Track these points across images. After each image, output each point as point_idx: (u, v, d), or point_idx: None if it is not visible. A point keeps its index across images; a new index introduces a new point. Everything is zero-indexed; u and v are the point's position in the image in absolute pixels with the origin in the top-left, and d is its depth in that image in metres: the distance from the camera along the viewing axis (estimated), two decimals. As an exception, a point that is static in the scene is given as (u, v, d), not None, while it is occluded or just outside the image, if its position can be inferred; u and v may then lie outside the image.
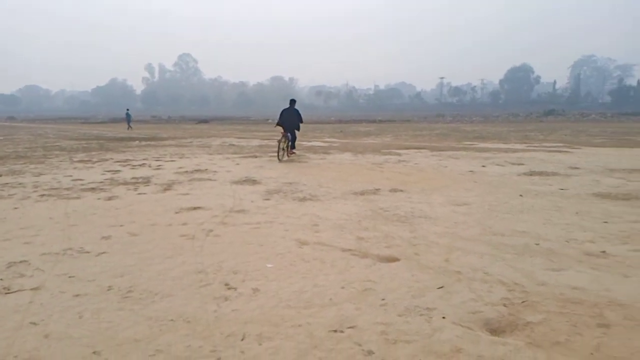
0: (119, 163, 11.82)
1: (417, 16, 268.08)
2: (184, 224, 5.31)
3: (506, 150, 14.33)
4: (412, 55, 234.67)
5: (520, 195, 6.79)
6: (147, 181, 8.63)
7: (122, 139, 22.45)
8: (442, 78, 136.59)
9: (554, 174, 9.02)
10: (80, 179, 8.89)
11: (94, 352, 2.49)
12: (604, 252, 4.10)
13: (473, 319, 2.82)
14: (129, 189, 7.76)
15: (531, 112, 67.84)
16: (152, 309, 3.02)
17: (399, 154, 13.47)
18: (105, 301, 3.16)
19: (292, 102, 13.16)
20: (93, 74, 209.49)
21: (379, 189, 7.48)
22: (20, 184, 8.38)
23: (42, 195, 7.18)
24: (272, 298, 3.19)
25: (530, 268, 3.71)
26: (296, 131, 13.10)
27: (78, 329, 2.76)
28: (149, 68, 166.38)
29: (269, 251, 4.24)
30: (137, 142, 20.43)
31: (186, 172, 9.92)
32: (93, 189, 7.81)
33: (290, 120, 12.70)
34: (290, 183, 8.19)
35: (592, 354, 2.41)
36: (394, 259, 3.97)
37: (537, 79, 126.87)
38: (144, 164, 11.66)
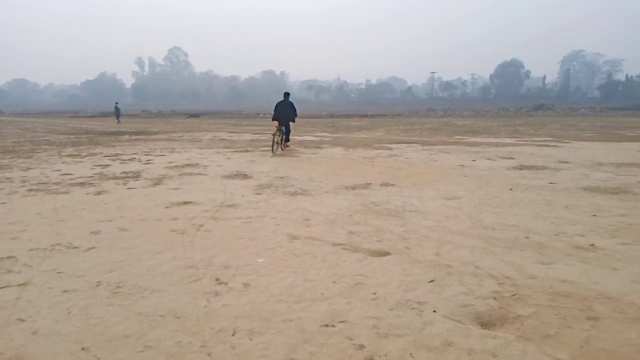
0: (108, 157, 11.70)
1: (409, 11, 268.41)
2: (174, 218, 5.27)
3: (496, 145, 14.41)
4: (404, 50, 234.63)
5: (510, 189, 6.83)
6: (136, 176, 8.55)
7: (111, 133, 22.24)
8: (433, 73, 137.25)
9: (544, 167, 9.09)
10: (69, 174, 8.78)
11: (83, 348, 2.46)
12: (593, 245, 4.14)
13: (464, 312, 2.84)
14: (119, 184, 7.68)
15: (521, 106, 68.16)
16: (142, 305, 2.99)
17: (390, 149, 13.49)
18: (94, 297, 3.12)
19: (286, 95, 13.51)
20: (82, 68, 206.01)
21: (370, 183, 7.48)
22: (7, 178, 8.27)
23: (30, 190, 7.09)
24: (263, 293, 3.17)
25: (520, 261, 3.73)
26: (291, 123, 13.26)
27: (66, 325, 2.73)
28: (139, 62, 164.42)
29: (260, 246, 4.22)
30: (127, 136, 20.25)
31: (176, 166, 9.86)
32: (82, 183, 7.73)
33: (285, 113, 12.93)
34: (282, 177, 8.16)
35: (581, 346, 2.43)
36: (385, 253, 3.97)
37: (527, 74, 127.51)
38: (133, 158, 11.56)
